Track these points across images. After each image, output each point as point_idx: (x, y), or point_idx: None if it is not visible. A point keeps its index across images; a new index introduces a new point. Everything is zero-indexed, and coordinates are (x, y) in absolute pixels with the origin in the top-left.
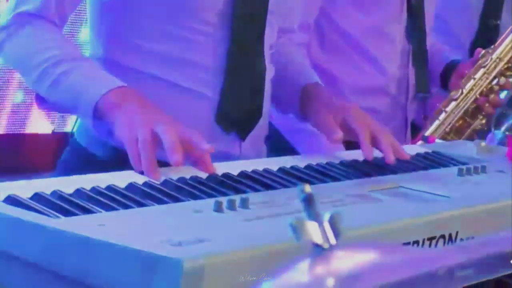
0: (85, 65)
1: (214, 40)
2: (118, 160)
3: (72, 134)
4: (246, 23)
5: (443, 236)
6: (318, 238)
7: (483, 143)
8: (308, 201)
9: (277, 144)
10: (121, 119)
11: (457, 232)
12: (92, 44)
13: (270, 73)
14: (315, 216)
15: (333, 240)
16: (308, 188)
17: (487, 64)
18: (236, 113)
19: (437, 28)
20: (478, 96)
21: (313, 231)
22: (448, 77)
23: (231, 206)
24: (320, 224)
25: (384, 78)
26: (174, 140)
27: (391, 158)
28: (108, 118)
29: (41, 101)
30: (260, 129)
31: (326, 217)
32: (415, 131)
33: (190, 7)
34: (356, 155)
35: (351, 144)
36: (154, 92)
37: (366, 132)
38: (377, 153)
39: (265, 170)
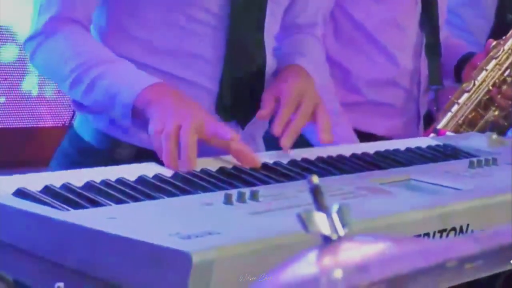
0: (117, 66)
1: (213, 29)
2: (118, 152)
3: (71, 125)
4: (245, 12)
5: (454, 229)
6: (326, 230)
7: (494, 136)
8: (316, 192)
9: None
10: (154, 115)
11: (468, 225)
12: None
13: (272, 64)
14: (323, 208)
15: (341, 232)
16: (315, 179)
17: (499, 55)
18: (235, 103)
19: (452, 23)
20: (490, 87)
21: (322, 223)
22: (461, 70)
23: (241, 198)
24: (329, 215)
25: (397, 70)
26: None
27: (284, 144)
28: (144, 115)
29: (79, 105)
30: (258, 122)
31: (335, 208)
32: (430, 123)
33: None
34: (367, 147)
35: (363, 136)
36: None
37: (286, 110)
38: (387, 146)
39: (275, 163)
